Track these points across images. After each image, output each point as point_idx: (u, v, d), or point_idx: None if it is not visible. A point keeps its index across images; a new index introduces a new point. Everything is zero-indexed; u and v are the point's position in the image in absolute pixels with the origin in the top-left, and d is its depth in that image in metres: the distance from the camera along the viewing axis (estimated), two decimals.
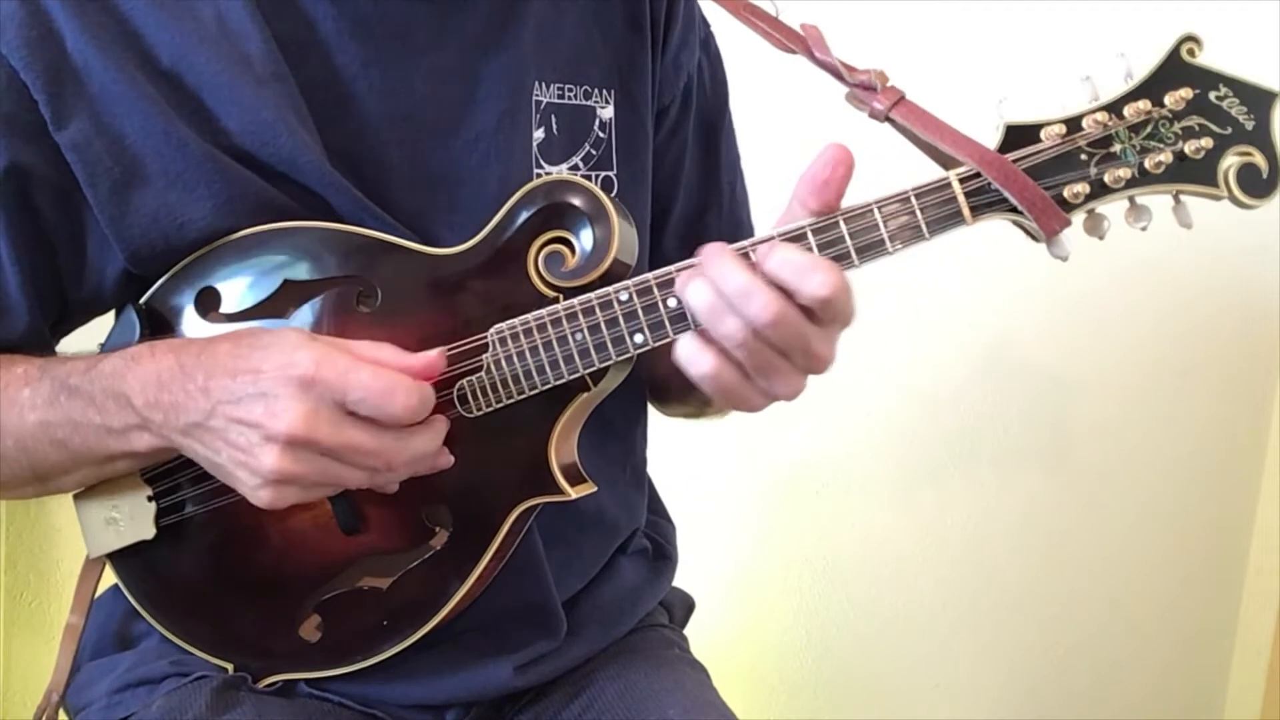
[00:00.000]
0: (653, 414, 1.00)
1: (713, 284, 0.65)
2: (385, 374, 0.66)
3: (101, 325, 0.81)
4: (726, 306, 0.64)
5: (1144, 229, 0.68)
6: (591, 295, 0.70)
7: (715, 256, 0.66)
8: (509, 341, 0.72)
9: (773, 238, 0.68)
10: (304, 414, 0.63)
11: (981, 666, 1.74)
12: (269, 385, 0.64)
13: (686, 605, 1.05)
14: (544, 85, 0.83)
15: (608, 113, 0.86)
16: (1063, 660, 1.76)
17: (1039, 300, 1.62)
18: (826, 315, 0.65)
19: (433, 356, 0.69)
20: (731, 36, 0.86)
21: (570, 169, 0.84)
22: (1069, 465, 1.70)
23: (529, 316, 0.71)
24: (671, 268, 0.69)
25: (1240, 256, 1.61)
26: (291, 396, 0.63)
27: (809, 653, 1.69)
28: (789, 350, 0.65)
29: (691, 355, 0.67)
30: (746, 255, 0.66)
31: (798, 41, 0.74)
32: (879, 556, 1.68)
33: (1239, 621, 1.77)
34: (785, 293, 0.64)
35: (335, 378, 0.64)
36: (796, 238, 0.68)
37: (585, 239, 0.72)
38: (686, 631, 1.02)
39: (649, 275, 0.70)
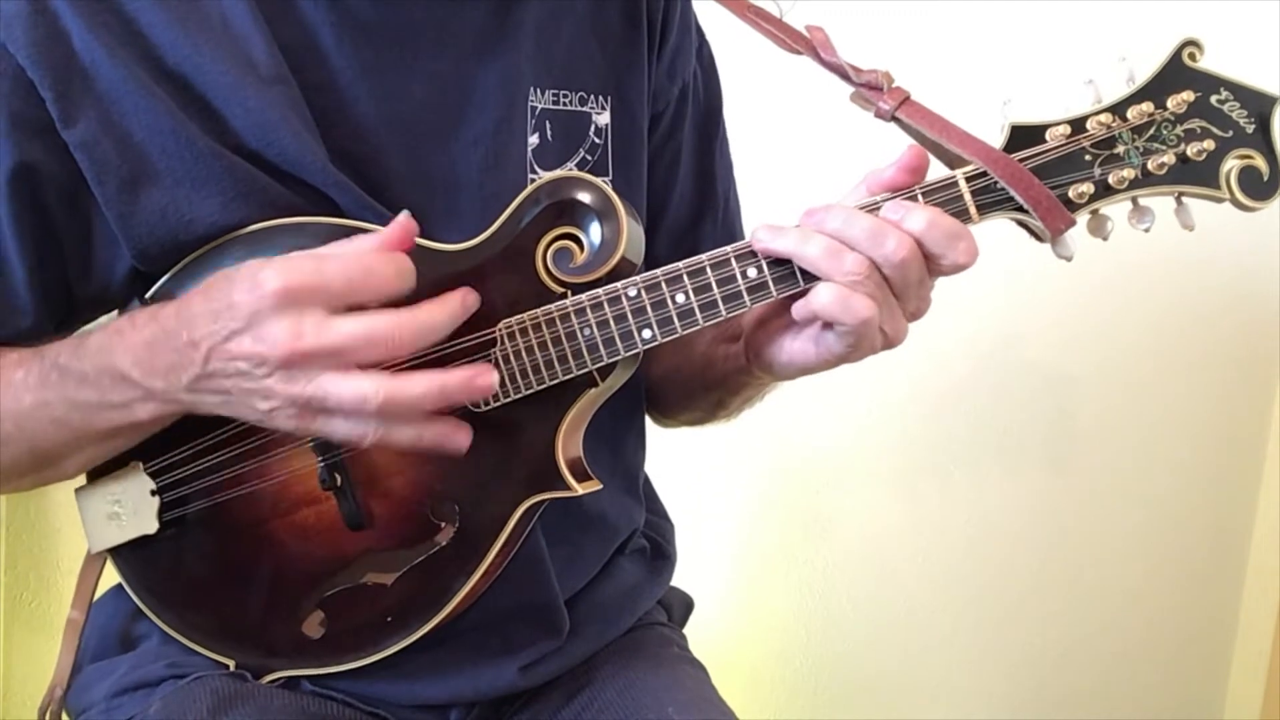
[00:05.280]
0: None
1: (834, 229, 0.67)
2: (354, 256, 0.66)
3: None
4: (843, 246, 0.67)
5: (1146, 230, 0.68)
6: (600, 291, 0.71)
7: (832, 208, 0.68)
8: (517, 336, 0.72)
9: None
10: (289, 329, 0.63)
11: (981, 666, 1.74)
12: (247, 313, 0.64)
13: (685, 605, 1.05)
14: (540, 91, 0.83)
15: (604, 118, 0.86)
16: (1063, 660, 1.75)
17: (1040, 298, 1.62)
18: (947, 272, 0.68)
19: (401, 219, 0.69)
20: (734, 37, 0.86)
21: None
22: (1069, 464, 1.70)
23: (537, 311, 0.72)
24: (678, 264, 0.70)
25: (1241, 255, 1.61)
26: (272, 315, 0.63)
27: (809, 653, 1.69)
28: (905, 292, 0.68)
29: (819, 292, 0.68)
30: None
31: (803, 43, 0.74)
32: (879, 556, 1.68)
33: (1239, 621, 1.76)
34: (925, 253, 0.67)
35: (306, 279, 0.64)
36: None
37: (594, 235, 0.72)
38: (686, 631, 1.02)
39: (658, 271, 0.70)
